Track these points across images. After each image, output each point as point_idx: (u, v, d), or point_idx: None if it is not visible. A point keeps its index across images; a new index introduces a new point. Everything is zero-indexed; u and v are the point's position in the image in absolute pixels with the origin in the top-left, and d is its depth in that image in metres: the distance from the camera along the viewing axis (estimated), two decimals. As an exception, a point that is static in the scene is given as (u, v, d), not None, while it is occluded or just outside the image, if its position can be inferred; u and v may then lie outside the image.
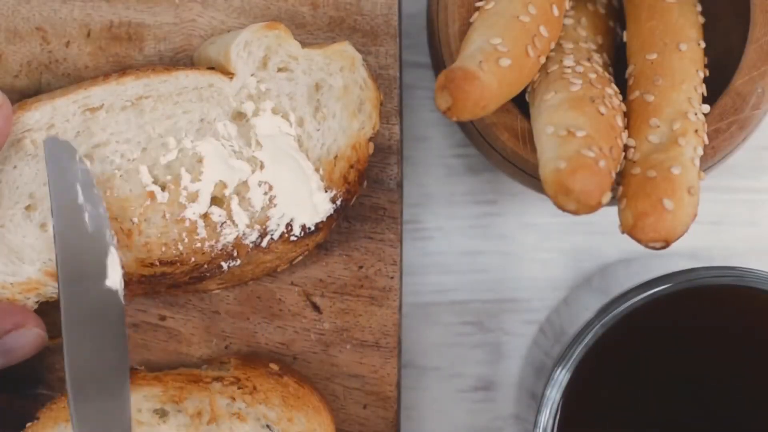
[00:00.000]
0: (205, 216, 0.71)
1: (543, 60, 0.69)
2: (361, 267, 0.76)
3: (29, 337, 0.70)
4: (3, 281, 0.70)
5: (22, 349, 0.70)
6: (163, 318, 0.75)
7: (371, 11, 0.75)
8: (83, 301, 0.68)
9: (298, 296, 0.76)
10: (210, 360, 0.75)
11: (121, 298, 0.68)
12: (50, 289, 0.71)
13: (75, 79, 0.74)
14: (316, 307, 0.76)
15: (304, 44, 0.72)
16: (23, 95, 0.74)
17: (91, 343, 0.67)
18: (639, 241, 0.64)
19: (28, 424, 0.72)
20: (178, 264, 0.71)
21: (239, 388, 0.72)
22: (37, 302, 0.72)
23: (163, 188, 0.71)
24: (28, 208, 0.70)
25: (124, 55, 0.74)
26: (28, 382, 0.75)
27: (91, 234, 0.68)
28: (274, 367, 0.74)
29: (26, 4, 0.74)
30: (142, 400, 0.71)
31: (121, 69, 0.74)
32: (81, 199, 0.68)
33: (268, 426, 0.72)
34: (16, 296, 0.71)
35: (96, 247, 0.68)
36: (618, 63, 0.73)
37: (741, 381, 0.69)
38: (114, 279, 0.68)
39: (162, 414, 0.72)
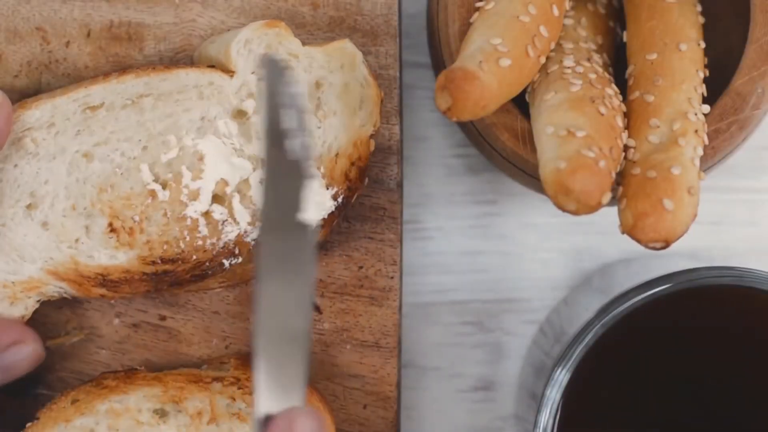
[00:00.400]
0: (207, 214, 0.71)
1: (543, 60, 0.69)
2: (361, 267, 0.76)
3: (28, 353, 0.71)
4: (4, 280, 0.70)
5: (21, 364, 0.71)
6: (163, 318, 0.75)
7: (371, 11, 0.75)
8: (278, 230, 0.65)
9: (298, 296, 0.76)
10: (210, 360, 0.75)
11: (313, 234, 0.65)
12: (52, 288, 0.71)
13: (75, 79, 0.74)
14: (316, 307, 0.76)
15: (304, 43, 0.72)
16: (23, 95, 0.74)
17: (280, 279, 0.64)
18: (639, 241, 0.64)
19: (28, 424, 0.72)
20: (180, 262, 0.71)
21: (239, 388, 0.72)
22: (38, 301, 0.72)
23: (164, 186, 0.71)
24: (29, 206, 0.70)
25: (124, 55, 0.74)
26: (28, 382, 0.75)
27: (293, 162, 0.65)
28: (274, 367, 0.74)
29: (26, 4, 0.74)
30: (142, 400, 0.71)
31: (122, 69, 0.74)
32: (289, 124, 0.65)
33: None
34: (17, 295, 0.71)
35: (295, 175, 0.65)
36: (618, 63, 0.73)
37: (741, 381, 0.69)
38: (309, 213, 0.65)
39: (162, 414, 0.72)
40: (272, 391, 0.63)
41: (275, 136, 0.65)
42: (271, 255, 0.65)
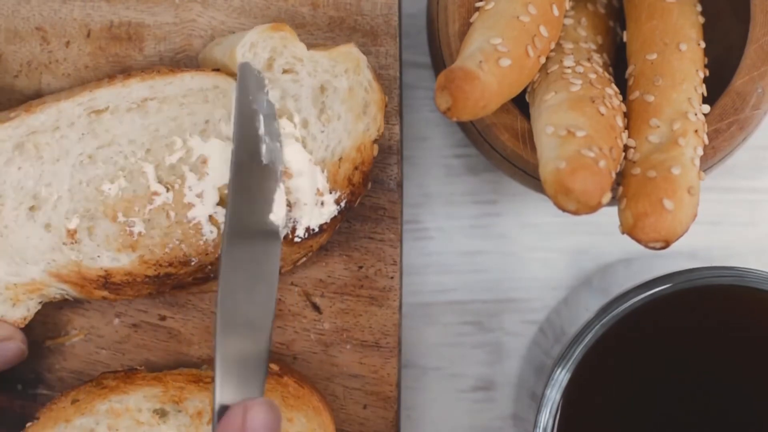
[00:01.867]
0: (210, 217, 0.71)
1: (543, 60, 0.69)
2: (361, 267, 0.76)
3: (13, 349, 0.72)
4: (6, 282, 0.70)
5: (6, 358, 0.71)
6: (163, 318, 0.75)
7: (371, 11, 0.75)
8: (245, 230, 0.68)
9: (298, 296, 0.76)
10: (210, 360, 0.75)
11: (279, 235, 0.69)
12: (53, 290, 0.71)
13: (75, 79, 0.74)
14: (316, 307, 0.76)
15: (305, 44, 0.72)
16: (23, 95, 0.74)
17: (245, 278, 0.67)
18: (639, 241, 0.64)
19: (28, 424, 0.72)
20: (183, 265, 0.71)
21: (239, 388, 0.72)
22: (40, 303, 0.72)
23: (168, 189, 0.71)
24: (32, 208, 0.70)
25: (124, 55, 0.74)
26: (28, 382, 0.75)
27: (265, 166, 0.69)
28: (274, 367, 0.74)
29: (26, 4, 0.74)
30: (142, 400, 0.71)
31: (121, 69, 0.74)
32: (262, 130, 0.69)
33: (268, 426, 0.72)
34: (19, 297, 0.71)
35: (267, 180, 0.69)
36: (618, 63, 0.73)
37: (741, 381, 0.69)
38: (278, 214, 0.69)
39: (162, 414, 0.72)
40: (231, 383, 0.65)
41: (245, 141, 0.68)
42: (236, 253, 0.67)
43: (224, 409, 0.65)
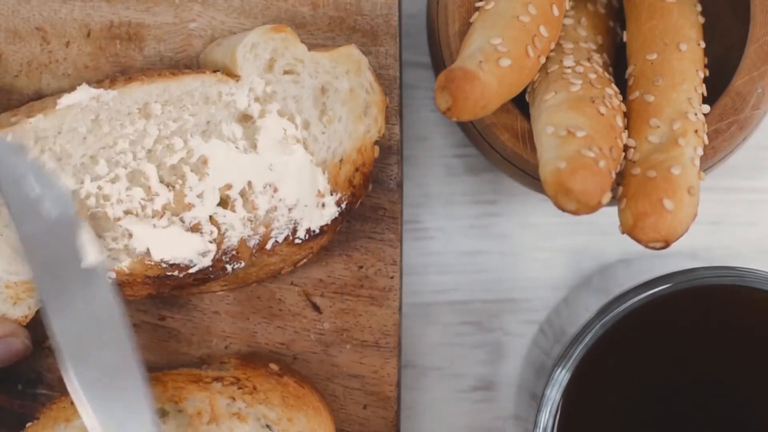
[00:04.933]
0: (210, 217, 0.71)
1: (543, 60, 0.69)
2: (361, 267, 0.76)
3: (17, 345, 0.71)
4: (7, 280, 0.70)
5: (9, 354, 0.71)
6: (163, 318, 0.75)
7: (371, 11, 0.75)
8: (64, 293, 0.67)
9: (298, 296, 0.76)
10: (210, 360, 0.75)
11: (105, 275, 0.67)
12: (51, 289, 0.71)
13: (75, 79, 0.74)
14: (316, 307, 0.76)
15: (305, 44, 0.72)
16: (23, 95, 0.74)
17: (85, 333, 0.67)
18: (639, 241, 0.64)
19: (28, 424, 0.72)
20: (183, 266, 0.71)
21: (239, 388, 0.72)
22: (41, 302, 0.72)
23: (168, 189, 0.71)
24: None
25: (124, 56, 0.74)
26: (28, 382, 0.75)
27: (56, 220, 0.67)
28: (274, 367, 0.74)
29: (26, 4, 0.74)
30: (142, 400, 0.71)
31: (121, 69, 0.74)
32: (36, 190, 0.66)
33: (268, 426, 0.72)
34: (20, 295, 0.71)
35: (65, 232, 0.66)
36: (618, 63, 0.73)
37: (741, 380, 0.69)
38: (90, 258, 0.67)
39: (162, 414, 0.72)
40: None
41: (22, 213, 0.66)
42: (67, 316, 0.66)
43: None
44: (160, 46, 0.74)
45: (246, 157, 0.71)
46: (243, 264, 0.72)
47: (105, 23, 0.74)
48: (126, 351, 0.67)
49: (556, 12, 0.69)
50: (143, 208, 0.70)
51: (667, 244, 0.64)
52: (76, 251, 0.67)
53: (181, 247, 0.71)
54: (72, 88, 0.71)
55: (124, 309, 0.68)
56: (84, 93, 0.70)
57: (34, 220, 0.66)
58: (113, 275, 0.68)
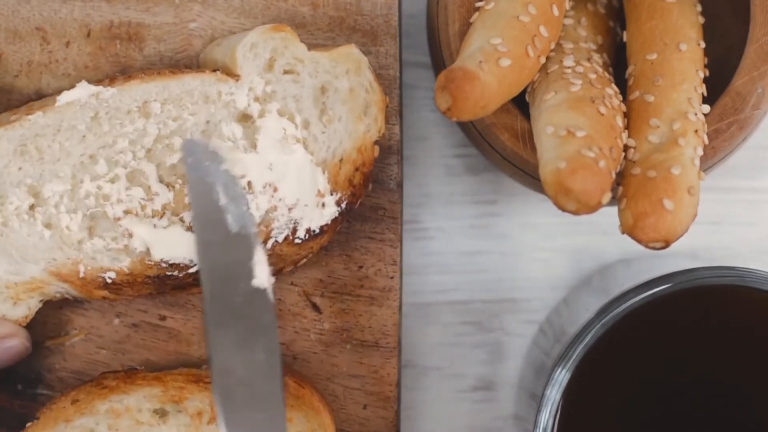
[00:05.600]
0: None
1: (543, 60, 0.69)
2: (361, 267, 0.76)
3: (17, 346, 0.72)
4: (7, 281, 0.70)
5: (9, 355, 0.71)
6: (163, 318, 0.75)
7: (371, 11, 0.75)
8: (229, 304, 0.65)
9: (298, 296, 0.76)
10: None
11: (270, 298, 0.65)
12: (54, 288, 0.71)
13: (75, 79, 0.74)
14: (316, 307, 0.76)
15: (305, 43, 0.72)
16: (23, 95, 0.74)
17: (240, 347, 0.65)
18: (639, 241, 0.64)
19: (28, 424, 0.72)
20: (183, 266, 0.71)
21: (239, 388, 0.72)
22: (41, 301, 0.72)
23: (168, 189, 0.71)
24: (32, 207, 0.70)
25: (124, 56, 0.74)
26: (28, 382, 0.75)
27: (236, 234, 0.66)
28: (274, 367, 0.74)
29: (26, 4, 0.74)
30: (142, 400, 0.71)
31: (121, 69, 0.74)
32: (222, 200, 0.66)
33: (268, 426, 0.72)
34: (20, 295, 0.71)
35: (241, 248, 0.66)
36: (618, 63, 0.73)
37: (741, 380, 0.69)
38: (261, 278, 0.65)
39: (162, 414, 0.72)
40: None
41: (207, 216, 0.65)
42: (224, 326, 0.64)
43: None
44: (160, 46, 0.74)
45: (246, 156, 0.71)
46: (243, 264, 0.72)
47: (105, 23, 0.74)
48: (274, 382, 0.65)
49: (556, 12, 0.69)
50: (143, 207, 0.70)
51: (667, 244, 0.64)
52: (250, 269, 0.66)
53: (181, 247, 0.71)
54: (72, 88, 0.71)
55: (278, 340, 0.66)
56: (83, 90, 0.70)
57: (216, 228, 0.66)
58: (273, 302, 0.67)
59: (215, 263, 0.65)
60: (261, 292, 0.65)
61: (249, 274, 0.65)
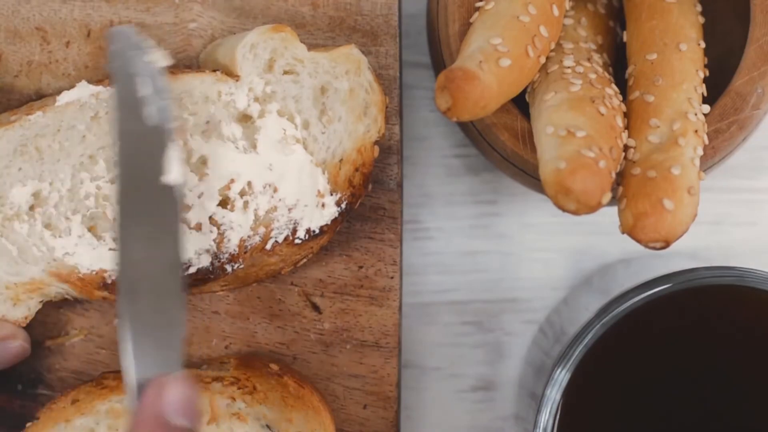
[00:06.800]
0: (210, 218, 0.71)
1: (543, 60, 0.69)
2: (361, 267, 0.76)
3: (16, 347, 0.72)
4: (7, 281, 0.70)
5: (8, 357, 0.72)
6: (163, 318, 0.75)
7: (371, 11, 0.75)
8: (138, 197, 0.65)
9: (298, 296, 0.76)
10: (210, 360, 0.75)
11: (178, 194, 0.65)
12: (54, 290, 0.71)
13: (75, 79, 0.74)
14: (316, 307, 0.76)
15: (304, 43, 0.72)
16: (23, 95, 0.74)
17: (144, 240, 0.65)
18: (639, 241, 0.64)
19: (28, 424, 0.72)
20: (183, 265, 0.71)
21: (239, 388, 0.72)
22: (41, 302, 0.72)
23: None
24: (32, 208, 0.70)
25: (124, 55, 0.74)
26: (28, 382, 0.75)
27: (153, 127, 0.65)
28: (274, 367, 0.74)
29: (26, 4, 0.74)
30: (142, 400, 0.71)
31: (121, 69, 0.74)
32: (143, 91, 0.65)
33: (268, 426, 0.72)
34: (20, 296, 0.71)
35: (156, 141, 0.65)
36: (618, 63, 0.73)
37: (741, 380, 0.69)
38: (172, 175, 0.65)
39: (162, 414, 0.72)
40: (144, 357, 0.63)
41: (129, 104, 0.65)
42: (133, 218, 0.64)
43: (140, 386, 0.63)
44: (160, 46, 0.74)
45: (246, 157, 0.71)
46: (243, 264, 0.72)
47: (105, 23, 0.74)
48: (174, 276, 0.65)
49: (556, 12, 0.69)
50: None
51: (667, 244, 0.64)
52: (161, 164, 0.65)
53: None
54: (72, 88, 0.71)
55: (184, 237, 0.66)
56: (83, 90, 0.70)
57: (133, 119, 0.65)
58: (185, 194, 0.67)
59: (130, 154, 0.65)
60: (169, 188, 0.65)
61: (160, 169, 0.65)
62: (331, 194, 0.73)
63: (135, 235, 0.65)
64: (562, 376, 0.68)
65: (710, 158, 0.69)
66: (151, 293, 0.65)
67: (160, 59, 0.67)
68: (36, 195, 0.70)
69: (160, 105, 0.65)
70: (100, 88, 0.70)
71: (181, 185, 0.66)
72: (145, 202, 0.65)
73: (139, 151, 0.65)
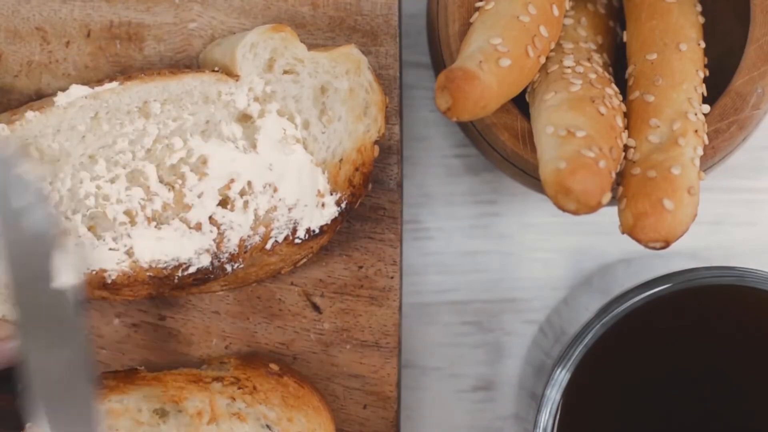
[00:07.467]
0: (210, 217, 0.71)
1: (543, 60, 0.69)
2: (361, 267, 0.76)
3: (15, 348, 0.72)
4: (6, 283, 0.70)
5: (9, 357, 0.71)
6: (163, 318, 0.75)
7: (371, 11, 0.75)
8: (33, 308, 0.66)
9: (298, 296, 0.76)
10: (210, 360, 0.75)
11: (71, 296, 0.66)
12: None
13: (75, 79, 0.74)
14: (316, 307, 0.76)
15: (305, 43, 0.72)
16: (23, 95, 0.74)
17: (45, 344, 0.66)
18: (639, 241, 0.64)
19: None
20: (183, 266, 0.71)
21: (239, 388, 0.72)
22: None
23: (168, 189, 0.71)
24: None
25: (124, 55, 0.74)
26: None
27: (34, 236, 0.66)
28: (274, 367, 0.74)
29: (26, 4, 0.74)
30: (142, 400, 0.71)
31: (121, 69, 0.74)
32: (17, 203, 0.66)
33: (268, 426, 0.72)
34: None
35: (40, 250, 0.66)
36: (618, 63, 0.73)
37: (741, 380, 0.69)
38: (62, 280, 0.66)
39: (162, 414, 0.72)
40: None
41: (8, 216, 0.65)
42: (32, 324, 0.66)
43: None
44: (160, 46, 0.74)
45: (246, 156, 0.71)
46: (243, 264, 0.72)
47: (105, 23, 0.74)
48: (84, 381, 0.67)
49: (556, 12, 0.69)
50: (143, 208, 0.70)
51: (667, 244, 0.64)
52: (49, 271, 0.66)
53: (181, 247, 0.71)
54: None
55: (88, 336, 0.68)
56: (82, 90, 0.70)
57: (15, 229, 0.66)
58: (85, 300, 0.68)
59: (20, 263, 0.66)
60: (61, 293, 0.66)
61: (49, 276, 0.66)
62: (331, 194, 0.73)
63: (36, 339, 0.66)
64: (562, 376, 0.68)
65: (710, 158, 0.69)
66: (61, 394, 0.66)
67: (33, 169, 0.67)
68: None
69: (39, 214, 0.66)
70: (100, 88, 0.70)
71: (75, 287, 0.66)
72: (42, 307, 0.66)
73: (28, 259, 0.66)
